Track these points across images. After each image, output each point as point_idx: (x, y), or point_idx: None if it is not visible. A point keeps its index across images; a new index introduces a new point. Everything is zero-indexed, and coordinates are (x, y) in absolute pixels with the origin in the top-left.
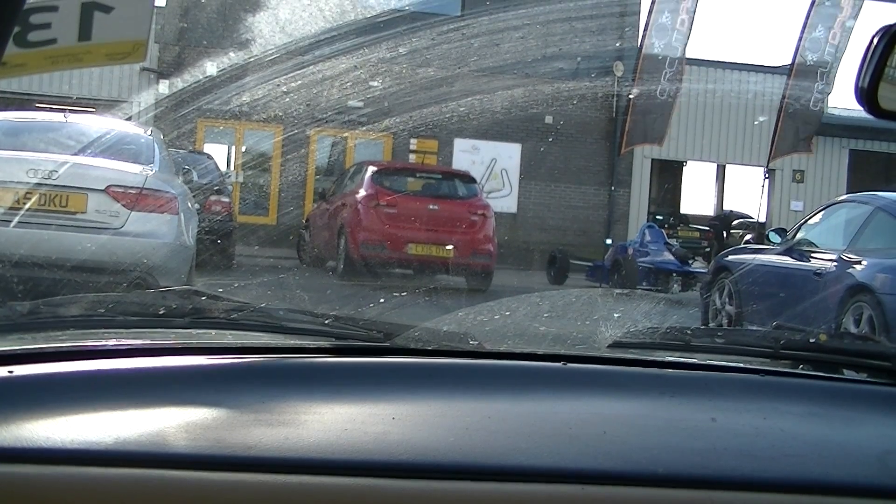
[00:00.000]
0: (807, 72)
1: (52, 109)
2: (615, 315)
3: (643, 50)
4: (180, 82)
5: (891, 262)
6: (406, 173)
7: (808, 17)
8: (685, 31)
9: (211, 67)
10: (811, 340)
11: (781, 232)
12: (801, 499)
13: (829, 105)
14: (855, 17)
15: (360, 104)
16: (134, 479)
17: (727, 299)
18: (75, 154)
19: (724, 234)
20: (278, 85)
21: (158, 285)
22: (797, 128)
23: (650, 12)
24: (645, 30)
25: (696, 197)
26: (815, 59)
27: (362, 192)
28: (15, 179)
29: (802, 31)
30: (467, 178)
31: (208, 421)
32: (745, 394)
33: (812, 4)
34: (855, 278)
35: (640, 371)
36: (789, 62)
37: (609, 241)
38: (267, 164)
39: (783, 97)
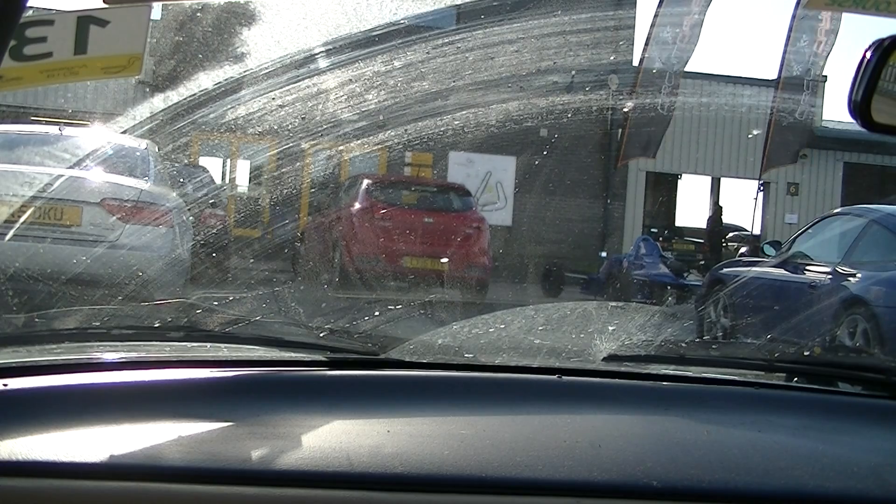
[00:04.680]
0: (793, 84)
1: (47, 123)
2: (610, 328)
3: (642, 64)
4: (175, 95)
5: (885, 275)
6: (401, 186)
7: (790, 30)
8: (686, 46)
9: (206, 81)
10: (805, 353)
11: (776, 245)
12: None
13: (822, 118)
14: (835, 28)
15: (355, 117)
16: (129, 493)
17: (722, 312)
18: (70, 167)
19: (720, 247)
20: (273, 98)
21: (153, 298)
22: (788, 140)
23: (652, 26)
24: (646, 44)
25: (691, 210)
26: (800, 71)
27: (358, 205)
28: (10, 192)
29: (786, 44)
30: (462, 192)
31: (203, 434)
32: (740, 407)
33: (793, 17)
34: (850, 291)
35: (635, 384)
36: (785, 75)
37: (604, 254)
38: (262, 177)
39: (772, 109)
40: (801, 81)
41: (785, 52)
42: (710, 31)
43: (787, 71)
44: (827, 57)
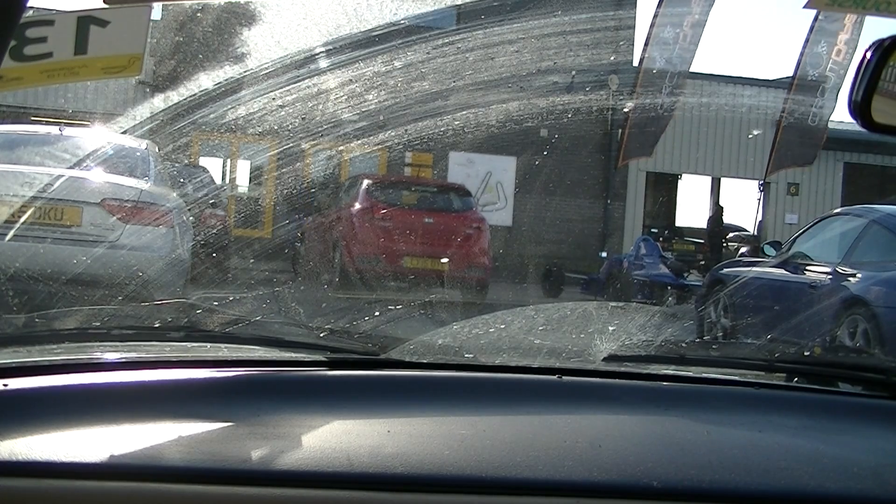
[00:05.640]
0: (807, 86)
1: (47, 123)
2: (610, 328)
3: (643, 64)
4: (176, 96)
5: (886, 275)
6: (401, 187)
7: (810, 32)
8: (688, 46)
9: (206, 81)
10: (806, 353)
11: (776, 245)
12: None
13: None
14: (857, 33)
15: (356, 117)
16: (129, 493)
17: (722, 312)
18: (71, 167)
19: (720, 247)
20: (273, 98)
21: (153, 298)
22: (797, 141)
23: (651, 26)
24: (646, 44)
25: (692, 210)
26: (815, 75)
27: (358, 206)
28: (10, 193)
29: (804, 46)
30: (462, 192)
31: (203, 434)
32: (740, 407)
33: (815, 20)
34: (850, 291)
35: (635, 384)
36: (789, 76)
37: (604, 255)
38: (262, 178)
39: (782, 111)
40: (815, 85)
41: (802, 54)
42: (711, 30)
43: (802, 73)
44: (848, 66)
